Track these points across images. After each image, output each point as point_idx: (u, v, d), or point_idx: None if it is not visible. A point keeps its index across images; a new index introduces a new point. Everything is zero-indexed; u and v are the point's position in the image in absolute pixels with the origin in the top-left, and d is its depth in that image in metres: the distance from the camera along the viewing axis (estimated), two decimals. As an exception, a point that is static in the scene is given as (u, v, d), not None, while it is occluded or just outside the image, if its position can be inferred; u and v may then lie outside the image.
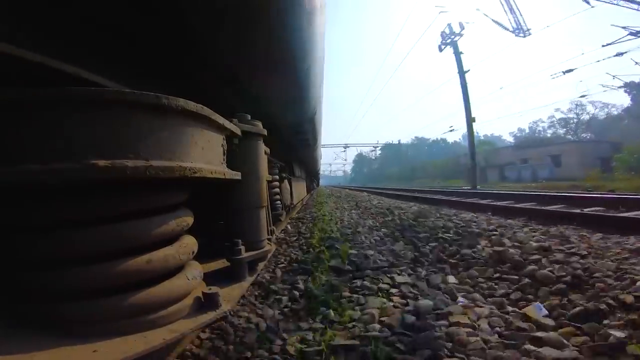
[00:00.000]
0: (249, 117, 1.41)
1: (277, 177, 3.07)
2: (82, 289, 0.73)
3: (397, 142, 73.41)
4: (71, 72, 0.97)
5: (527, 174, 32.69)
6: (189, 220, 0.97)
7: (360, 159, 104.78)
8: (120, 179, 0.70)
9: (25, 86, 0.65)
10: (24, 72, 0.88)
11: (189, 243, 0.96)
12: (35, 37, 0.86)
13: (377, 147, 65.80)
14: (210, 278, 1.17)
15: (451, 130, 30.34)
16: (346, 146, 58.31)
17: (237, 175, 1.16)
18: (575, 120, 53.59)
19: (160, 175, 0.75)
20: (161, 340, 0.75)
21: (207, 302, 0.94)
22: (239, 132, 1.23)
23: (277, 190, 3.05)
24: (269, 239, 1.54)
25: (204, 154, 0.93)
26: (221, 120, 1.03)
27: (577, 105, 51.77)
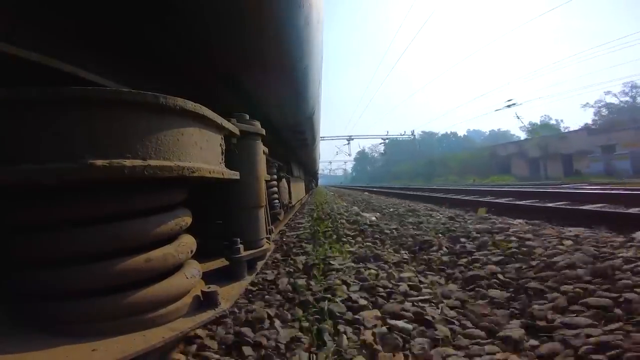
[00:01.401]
0: (247, 116, 1.41)
1: (275, 176, 3.07)
2: (81, 288, 0.73)
3: (410, 134, 56.56)
4: (69, 71, 0.97)
5: (624, 165, 21.63)
6: (187, 219, 0.98)
7: (362, 157, 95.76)
8: (118, 178, 0.70)
9: (23, 86, 0.65)
10: (22, 72, 0.88)
11: (188, 242, 0.96)
12: (33, 36, 0.87)
13: (387, 139, 54.65)
14: (209, 277, 1.17)
15: (509, 106, 24.23)
16: (350, 138, 49.07)
17: (235, 175, 1.16)
18: (629, 103, 42.72)
19: (158, 175, 0.75)
20: (160, 338, 0.76)
21: (206, 301, 0.94)
22: (237, 131, 1.24)
23: (276, 189, 3.05)
24: (267, 238, 1.54)
25: (202, 153, 0.93)
26: (219, 119, 1.03)
27: (632, 86, 41.78)
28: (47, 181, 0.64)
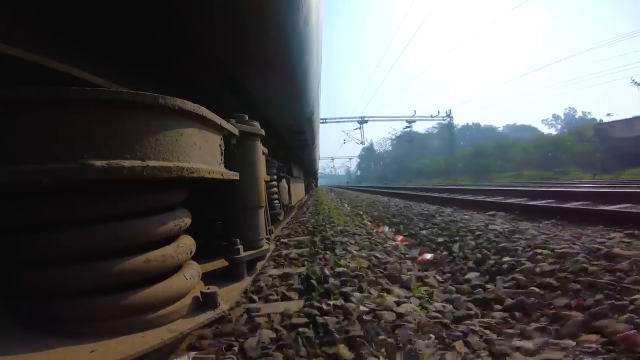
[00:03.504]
0: (247, 117, 1.41)
1: (275, 177, 3.07)
2: (80, 288, 0.73)
3: (445, 116, 40.87)
4: (67, 71, 0.97)
5: None
6: (186, 220, 0.98)
7: (367, 153, 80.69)
8: (117, 179, 0.70)
9: (21, 86, 0.65)
10: (19, 72, 0.88)
11: (187, 243, 0.96)
12: (30, 36, 0.86)
13: (414, 121, 39.04)
14: (209, 278, 1.17)
15: None
16: (363, 120, 36.08)
17: (235, 176, 1.16)
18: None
19: (158, 176, 0.75)
20: (159, 340, 0.75)
21: (205, 302, 0.94)
22: (236, 132, 1.23)
23: (275, 190, 3.05)
24: (267, 239, 1.54)
25: (202, 154, 0.93)
26: (219, 120, 1.03)
27: None
28: (47, 181, 0.64)
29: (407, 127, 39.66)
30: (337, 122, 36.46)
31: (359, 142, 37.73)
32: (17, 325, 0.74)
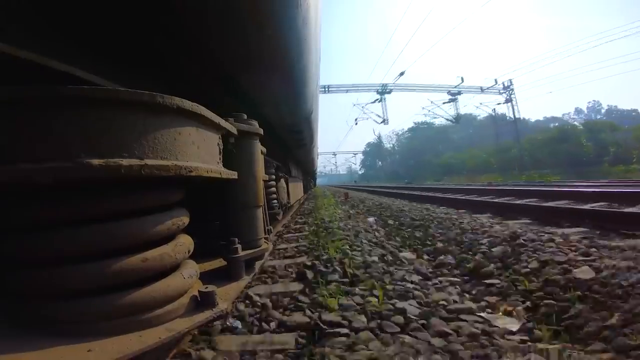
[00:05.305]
0: (245, 116, 1.41)
1: (273, 176, 3.06)
2: (77, 288, 0.73)
3: (502, 89, 28.75)
4: (65, 70, 0.96)
5: None
6: (184, 219, 0.97)
7: (373, 149, 70.82)
8: (115, 177, 0.69)
9: (18, 85, 0.65)
10: (16, 70, 0.87)
11: (185, 242, 0.95)
12: (29, 34, 0.86)
13: (458, 92, 27.16)
14: (207, 277, 1.16)
15: None
16: (384, 90, 25.38)
17: (233, 175, 1.16)
18: None
19: (155, 174, 0.75)
20: (157, 339, 0.75)
21: (203, 301, 0.93)
22: (235, 131, 1.23)
23: (274, 189, 3.04)
24: (266, 238, 1.54)
25: (200, 152, 0.93)
26: (217, 119, 1.02)
27: None
28: (44, 180, 0.64)
29: (451, 99, 27.73)
30: (347, 90, 24.88)
31: (380, 119, 26.18)
32: (13, 325, 0.73)
